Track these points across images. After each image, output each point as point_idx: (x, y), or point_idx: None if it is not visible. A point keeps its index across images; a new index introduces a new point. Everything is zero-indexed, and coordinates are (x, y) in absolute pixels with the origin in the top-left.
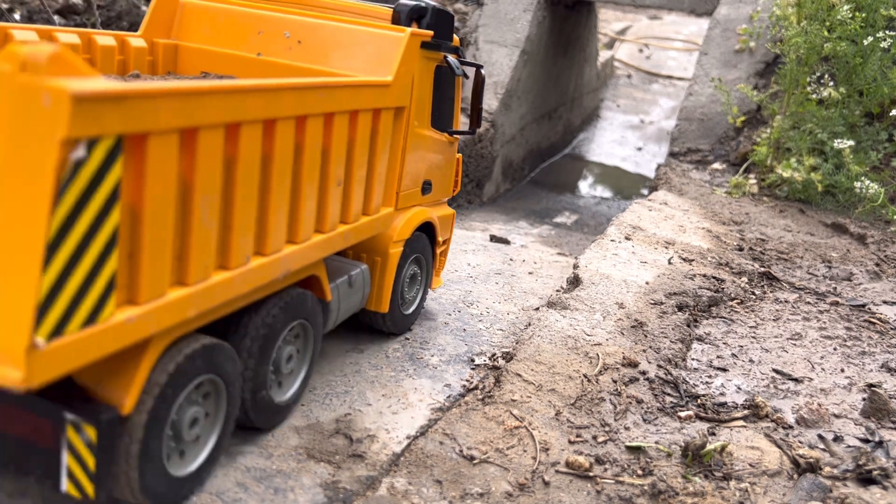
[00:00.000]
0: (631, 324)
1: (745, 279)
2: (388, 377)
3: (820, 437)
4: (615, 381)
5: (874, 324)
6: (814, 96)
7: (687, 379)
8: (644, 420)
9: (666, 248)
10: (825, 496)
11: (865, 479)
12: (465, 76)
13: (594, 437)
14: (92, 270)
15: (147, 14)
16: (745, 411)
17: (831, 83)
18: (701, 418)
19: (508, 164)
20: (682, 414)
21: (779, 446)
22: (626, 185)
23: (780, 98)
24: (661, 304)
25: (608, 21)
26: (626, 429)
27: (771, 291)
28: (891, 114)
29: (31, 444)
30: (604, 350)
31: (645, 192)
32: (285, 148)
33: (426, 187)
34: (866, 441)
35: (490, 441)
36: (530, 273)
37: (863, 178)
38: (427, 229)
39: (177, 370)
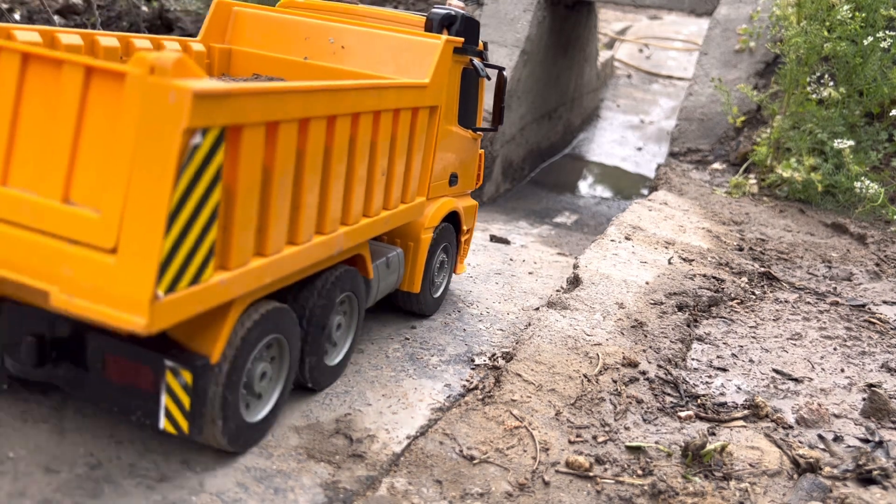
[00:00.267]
0: (631, 324)
1: (745, 279)
2: (388, 377)
3: (820, 437)
4: (615, 381)
5: (874, 324)
6: (814, 96)
7: (687, 379)
8: (644, 420)
9: (666, 248)
10: (825, 496)
11: (865, 479)
12: (488, 78)
13: (594, 437)
14: (198, 239)
15: (205, 22)
16: (745, 411)
17: (831, 83)
18: (701, 418)
19: (508, 164)
20: (682, 414)
21: (779, 446)
22: (626, 185)
23: (780, 98)
24: (661, 304)
25: (608, 21)
26: (626, 429)
27: (771, 291)
28: (891, 114)
29: (134, 389)
30: (604, 350)
31: (645, 192)
32: (342, 141)
33: (453, 179)
34: (866, 441)
35: (490, 441)
36: (530, 273)
37: (863, 178)
38: (453, 218)
39: (253, 328)
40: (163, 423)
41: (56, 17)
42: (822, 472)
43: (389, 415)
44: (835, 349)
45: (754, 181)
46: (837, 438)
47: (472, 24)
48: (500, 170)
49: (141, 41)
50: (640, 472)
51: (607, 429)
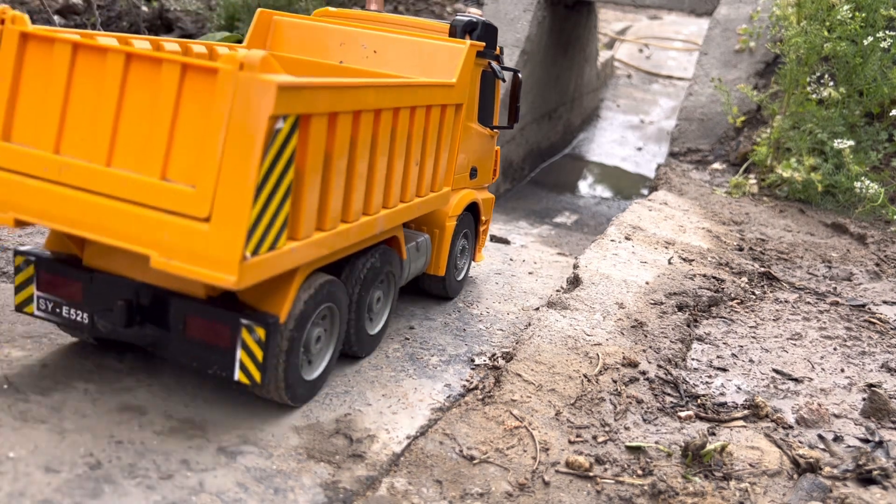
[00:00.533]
0: (631, 324)
1: (745, 279)
2: (388, 377)
3: (820, 437)
4: (615, 381)
5: (874, 324)
6: (814, 96)
7: (687, 379)
8: (644, 420)
9: (666, 248)
10: (825, 496)
11: (865, 479)
12: (504, 80)
13: (594, 437)
14: (276, 211)
15: (249, 29)
16: (745, 411)
17: (831, 83)
18: (701, 418)
19: (508, 164)
20: (682, 414)
21: (779, 446)
22: (626, 185)
23: (780, 98)
24: (661, 304)
25: (608, 21)
26: (626, 429)
27: (771, 291)
28: (891, 114)
29: (212, 346)
30: (604, 350)
31: (645, 192)
32: (385, 132)
33: (473, 173)
34: (866, 441)
35: (490, 441)
36: (530, 273)
37: (863, 178)
38: (473, 209)
39: (312, 295)
40: (237, 374)
41: (56, 17)
42: (822, 472)
43: (389, 415)
44: (835, 349)
45: (754, 181)
46: (837, 438)
47: (491, 30)
48: (500, 170)
49: (198, 46)
50: (640, 472)
51: (607, 429)
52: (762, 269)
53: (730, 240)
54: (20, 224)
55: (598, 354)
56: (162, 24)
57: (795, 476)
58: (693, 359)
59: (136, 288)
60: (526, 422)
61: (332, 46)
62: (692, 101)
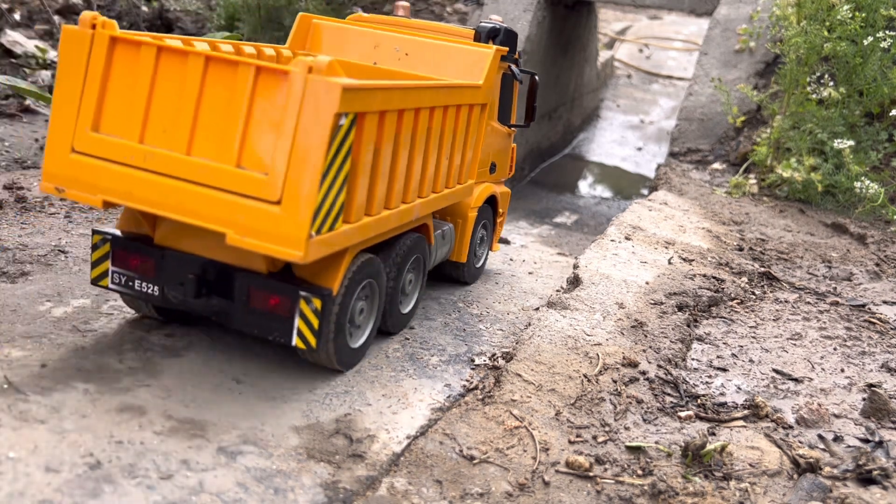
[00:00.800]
0: (631, 324)
1: (745, 279)
2: (388, 377)
3: (820, 437)
4: (615, 381)
5: (874, 324)
6: (814, 96)
7: (687, 379)
8: (644, 420)
9: (666, 248)
10: (825, 496)
11: (865, 479)
12: (521, 81)
13: (594, 437)
14: (335, 197)
15: (291, 33)
16: (745, 411)
17: (831, 83)
18: (701, 418)
19: None
20: (682, 414)
21: (779, 446)
22: (626, 185)
23: (780, 98)
24: (661, 304)
25: (608, 21)
26: (626, 429)
27: (771, 291)
28: (891, 114)
29: (273, 315)
30: (604, 350)
31: (645, 192)
32: (422, 129)
33: (492, 168)
34: (866, 441)
35: (490, 441)
36: (530, 273)
37: (863, 178)
38: (491, 202)
39: (357, 271)
40: (294, 340)
41: (56, 17)
42: (822, 472)
43: (389, 415)
44: (835, 349)
45: (754, 181)
46: (837, 438)
47: (512, 36)
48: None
49: (248, 48)
50: (640, 472)
51: (607, 429)
52: (762, 269)
53: (730, 240)
54: (108, 205)
55: (598, 354)
56: (162, 24)
57: (795, 476)
58: (693, 359)
59: (203, 264)
60: (526, 422)
61: (366, 49)
62: (692, 101)
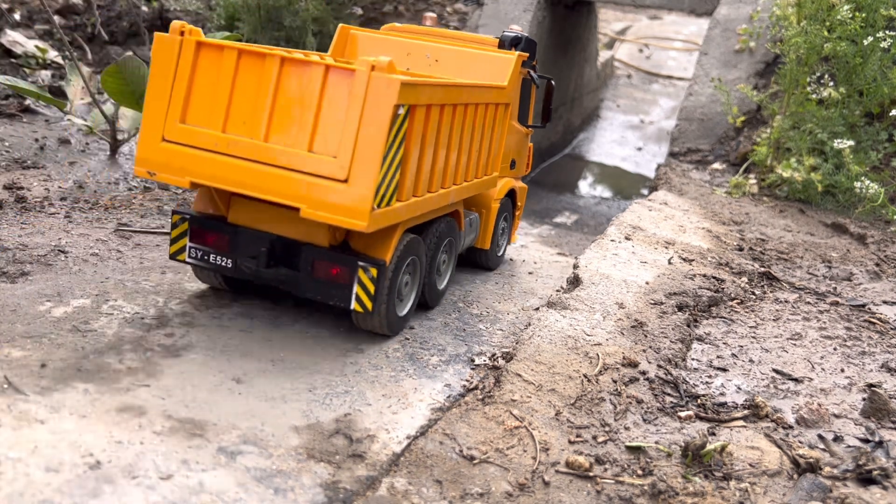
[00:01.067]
0: (631, 324)
1: (745, 279)
2: (388, 377)
3: (820, 437)
4: (615, 381)
5: (874, 324)
6: (814, 96)
7: (687, 379)
8: (644, 420)
9: (666, 248)
10: (825, 496)
11: (865, 479)
12: (538, 85)
13: (594, 437)
14: (392, 177)
15: (332, 42)
16: (745, 411)
17: (831, 83)
18: (701, 418)
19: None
20: (682, 414)
21: (779, 446)
22: (626, 185)
23: (780, 98)
24: (661, 304)
25: (608, 21)
26: (626, 429)
27: (771, 291)
28: (891, 114)
29: (334, 283)
30: (604, 350)
31: (645, 192)
32: (458, 123)
33: (512, 164)
34: (866, 441)
35: (490, 441)
36: (530, 273)
37: (863, 178)
38: (511, 195)
39: (405, 246)
40: (353, 304)
41: (56, 17)
42: (822, 472)
43: (389, 415)
44: (835, 349)
45: (754, 181)
46: (837, 438)
47: (531, 44)
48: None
49: (297, 55)
50: (640, 472)
51: (607, 429)
52: (762, 269)
53: (730, 240)
54: (194, 186)
55: (598, 354)
56: (162, 24)
57: (795, 476)
58: (693, 359)
59: (272, 240)
60: (526, 422)
61: (399, 56)
62: (692, 101)
